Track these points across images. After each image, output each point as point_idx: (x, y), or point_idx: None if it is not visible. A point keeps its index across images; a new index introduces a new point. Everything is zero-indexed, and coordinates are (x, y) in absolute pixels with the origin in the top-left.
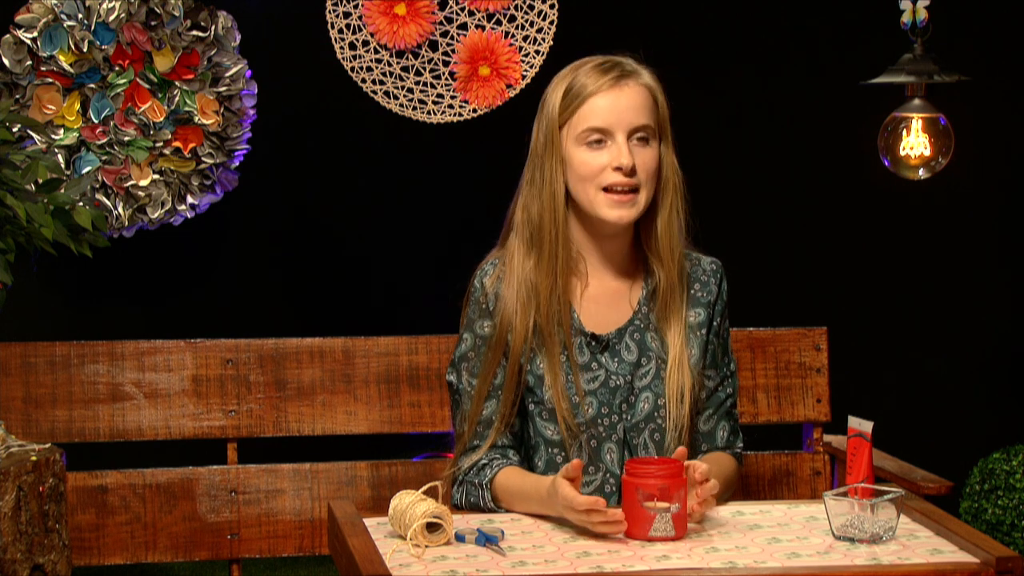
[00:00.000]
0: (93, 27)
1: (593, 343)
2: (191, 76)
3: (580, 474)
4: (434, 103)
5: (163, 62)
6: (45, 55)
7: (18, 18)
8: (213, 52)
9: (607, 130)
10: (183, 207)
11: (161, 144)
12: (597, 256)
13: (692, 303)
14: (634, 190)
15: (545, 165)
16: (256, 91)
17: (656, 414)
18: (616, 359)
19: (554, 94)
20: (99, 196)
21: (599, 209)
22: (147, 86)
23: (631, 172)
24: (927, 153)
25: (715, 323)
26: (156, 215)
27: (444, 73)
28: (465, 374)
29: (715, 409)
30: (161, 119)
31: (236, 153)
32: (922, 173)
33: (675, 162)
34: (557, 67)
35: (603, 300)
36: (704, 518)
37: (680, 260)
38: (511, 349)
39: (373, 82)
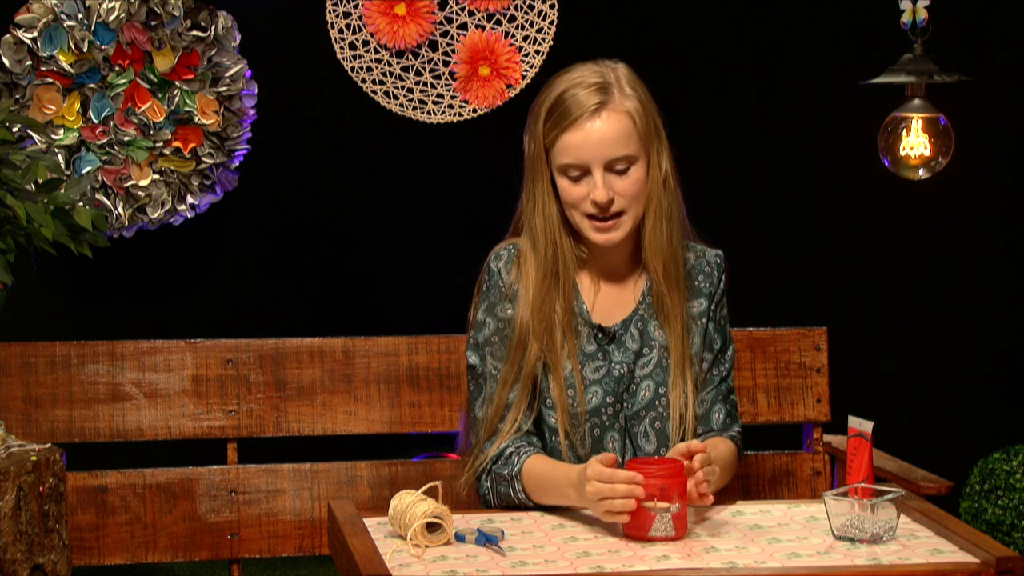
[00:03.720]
0: (93, 27)
1: (600, 335)
2: (191, 76)
3: (614, 466)
4: (434, 103)
5: (163, 62)
6: (45, 55)
7: (18, 18)
8: (213, 52)
9: (583, 165)
10: (183, 207)
11: (161, 144)
12: (601, 255)
13: (695, 294)
14: (617, 215)
15: (536, 185)
16: (256, 91)
17: (657, 403)
18: (621, 349)
19: (540, 112)
20: (99, 196)
21: (586, 232)
22: (147, 86)
23: (607, 205)
24: (927, 153)
25: (712, 309)
26: (156, 215)
27: (444, 73)
28: (490, 358)
29: (709, 390)
30: (161, 119)
31: (236, 153)
32: (922, 173)
33: (666, 175)
34: (557, 67)
35: (611, 294)
36: (704, 501)
37: (667, 266)
38: (528, 353)
39: (373, 82)
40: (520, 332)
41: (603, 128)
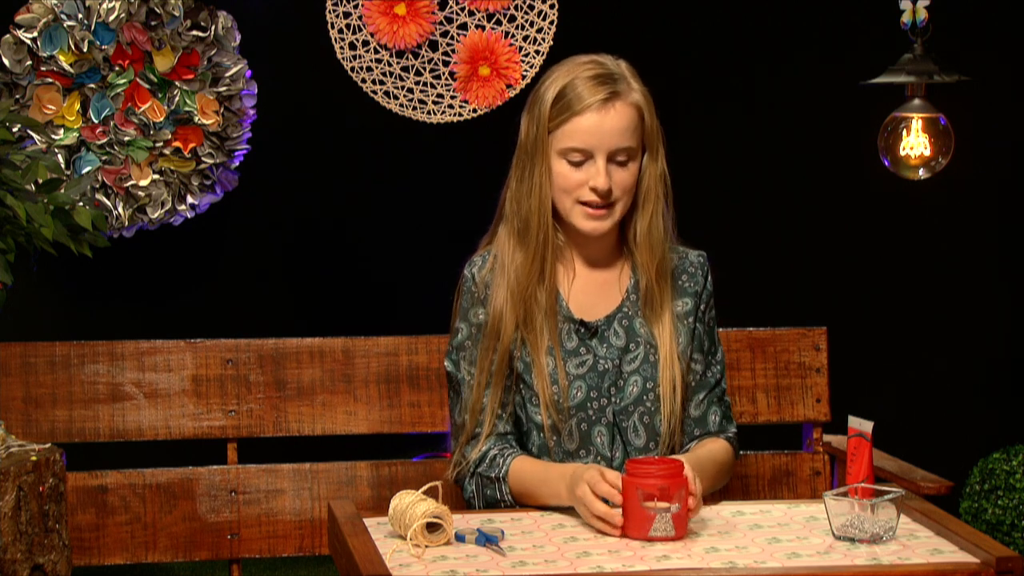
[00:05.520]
0: (93, 27)
1: (582, 330)
2: (191, 76)
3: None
4: (434, 103)
5: (163, 62)
6: (45, 55)
7: (18, 18)
8: (213, 52)
9: (588, 151)
10: (183, 207)
11: (161, 144)
12: (585, 248)
13: (680, 293)
14: (610, 205)
15: (534, 167)
16: (256, 91)
17: (645, 398)
18: (605, 344)
19: (547, 95)
20: (99, 196)
21: (574, 220)
22: (147, 86)
23: (606, 194)
24: (927, 153)
25: (701, 309)
26: (156, 215)
27: (444, 73)
28: (463, 363)
29: (705, 393)
30: (161, 119)
31: (236, 153)
32: (922, 173)
33: (663, 171)
34: None
35: (591, 288)
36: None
37: (661, 262)
38: (502, 338)
39: (373, 82)
40: (492, 326)
41: (615, 117)
